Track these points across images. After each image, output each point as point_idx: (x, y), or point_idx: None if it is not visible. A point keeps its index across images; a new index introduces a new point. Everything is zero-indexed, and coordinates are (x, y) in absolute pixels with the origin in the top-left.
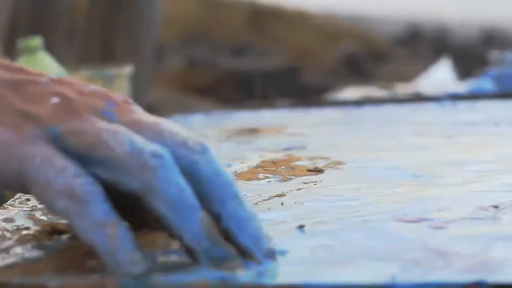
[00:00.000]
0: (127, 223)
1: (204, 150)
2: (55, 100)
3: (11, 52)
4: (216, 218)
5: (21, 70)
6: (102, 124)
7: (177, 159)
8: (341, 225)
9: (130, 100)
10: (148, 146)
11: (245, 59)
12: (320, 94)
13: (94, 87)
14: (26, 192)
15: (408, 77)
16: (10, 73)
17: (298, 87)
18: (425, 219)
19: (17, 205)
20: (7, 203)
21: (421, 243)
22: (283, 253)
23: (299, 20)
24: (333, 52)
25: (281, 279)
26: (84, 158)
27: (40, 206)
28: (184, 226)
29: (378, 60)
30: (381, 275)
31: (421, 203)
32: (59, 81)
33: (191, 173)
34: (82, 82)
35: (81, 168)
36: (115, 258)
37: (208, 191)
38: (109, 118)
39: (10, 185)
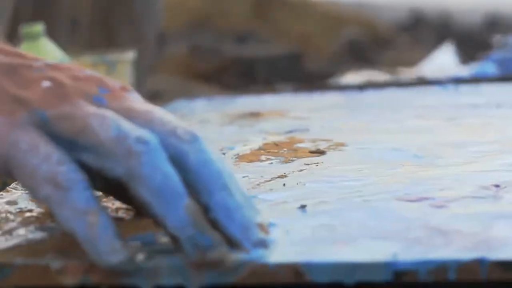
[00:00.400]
0: (129, 207)
1: (193, 139)
2: (46, 84)
3: (14, 39)
4: (205, 208)
5: (18, 55)
6: (91, 109)
7: (166, 148)
8: (342, 205)
9: (129, 87)
10: (135, 131)
11: (248, 46)
12: (323, 80)
13: (90, 72)
14: (14, 177)
15: (411, 63)
16: (8, 58)
17: (302, 73)
18: (426, 199)
19: (20, 188)
20: (10, 186)
21: (422, 222)
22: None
23: (302, 7)
24: (336, 39)
25: (283, 258)
26: (72, 143)
27: None
28: (168, 213)
29: (381, 46)
30: (382, 253)
31: (422, 183)
32: (54, 66)
33: (179, 163)
34: (78, 67)
35: (65, 155)
36: (95, 246)
37: (196, 181)
38: (100, 103)
39: (1, 171)
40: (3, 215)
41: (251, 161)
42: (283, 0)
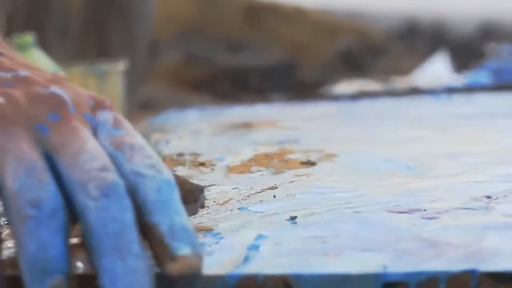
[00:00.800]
0: None
1: (102, 195)
2: None
3: None
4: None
5: None
6: (20, 145)
7: (75, 203)
8: (332, 216)
9: (105, 104)
10: (34, 190)
11: (241, 55)
12: (317, 89)
13: (55, 90)
14: None
15: (406, 71)
16: None
17: (295, 82)
18: (418, 210)
19: None
20: None
21: (413, 233)
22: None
23: (295, 15)
24: (330, 48)
25: (272, 270)
26: None
27: None
28: None
29: (375, 55)
30: (372, 265)
31: (413, 194)
32: (23, 79)
33: (82, 220)
34: (50, 82)
35: None
36: None
37: (92, 242)
38: (40, 133)
39: None
40: None
41: (241, 172)
42: (276, 9)
